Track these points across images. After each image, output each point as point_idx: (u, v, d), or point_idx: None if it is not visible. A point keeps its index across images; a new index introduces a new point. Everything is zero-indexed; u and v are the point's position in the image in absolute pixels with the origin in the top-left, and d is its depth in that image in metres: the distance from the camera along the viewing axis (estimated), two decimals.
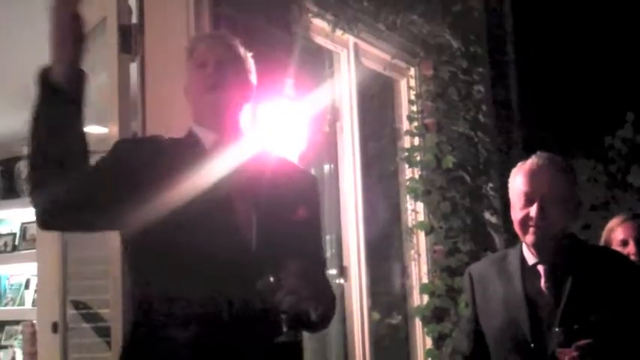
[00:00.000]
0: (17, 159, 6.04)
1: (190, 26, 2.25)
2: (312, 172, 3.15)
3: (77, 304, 2.51)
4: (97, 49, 2.49)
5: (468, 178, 3.52)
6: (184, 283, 1.47)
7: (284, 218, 1.54)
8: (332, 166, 3.16)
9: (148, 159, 1.55)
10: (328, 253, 3.19)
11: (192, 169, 1.53)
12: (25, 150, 5.95)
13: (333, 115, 3.10)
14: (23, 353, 5.39)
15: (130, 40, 2.34)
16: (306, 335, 2.82)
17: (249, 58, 1.70)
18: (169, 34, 2.33)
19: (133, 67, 2.37)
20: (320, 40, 2.96)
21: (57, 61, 1.49)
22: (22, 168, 5.95)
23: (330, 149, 3.12)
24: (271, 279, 1.36)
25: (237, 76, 1.64)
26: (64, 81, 1.48)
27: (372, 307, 3.20)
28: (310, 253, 1.59)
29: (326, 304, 1.51)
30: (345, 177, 3.14)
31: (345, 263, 3.12)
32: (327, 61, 3.12)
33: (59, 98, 1.47)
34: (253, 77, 1.70)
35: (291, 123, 2.51)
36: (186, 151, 1.60)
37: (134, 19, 2.38)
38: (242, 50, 1.69)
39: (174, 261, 1.48)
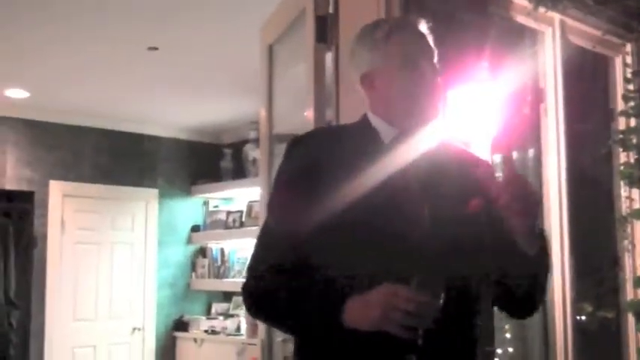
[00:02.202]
0: (244, 142, 6.50)
1: (381, 14, 2.26)
2: (515, 155, 3.05)
3: None
4: (297, 38, 2.64)
5: None
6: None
7: (465, 217, 1.46)
8: (534, 150, 3.03)
9: (328, 163, 1.52)
10: None
11: (371, 166, 1.51)
12: (251, 134, 6.30)
13: (536, 97, 2.97)
14: (247, 322, 5.88)
15: (325, 30, 2.43)
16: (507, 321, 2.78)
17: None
18: (362, 22, 2.38)
19: (329, 57, 2.47)
20: (521, 19, 2.84)
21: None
22: (249, 150, 6.40)
23: (532, 132, 2.99)
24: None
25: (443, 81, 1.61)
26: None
27: (578, 299, 3.03)
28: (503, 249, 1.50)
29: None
30: (549, 161, 2.99)
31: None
32: (528, 41, 2.99)
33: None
34: None
35: (487, 107, 2.45)
36: (364, 145, 1.57)
37: (330, 10, 2.47)
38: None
39: (352, 261, 1.46)
